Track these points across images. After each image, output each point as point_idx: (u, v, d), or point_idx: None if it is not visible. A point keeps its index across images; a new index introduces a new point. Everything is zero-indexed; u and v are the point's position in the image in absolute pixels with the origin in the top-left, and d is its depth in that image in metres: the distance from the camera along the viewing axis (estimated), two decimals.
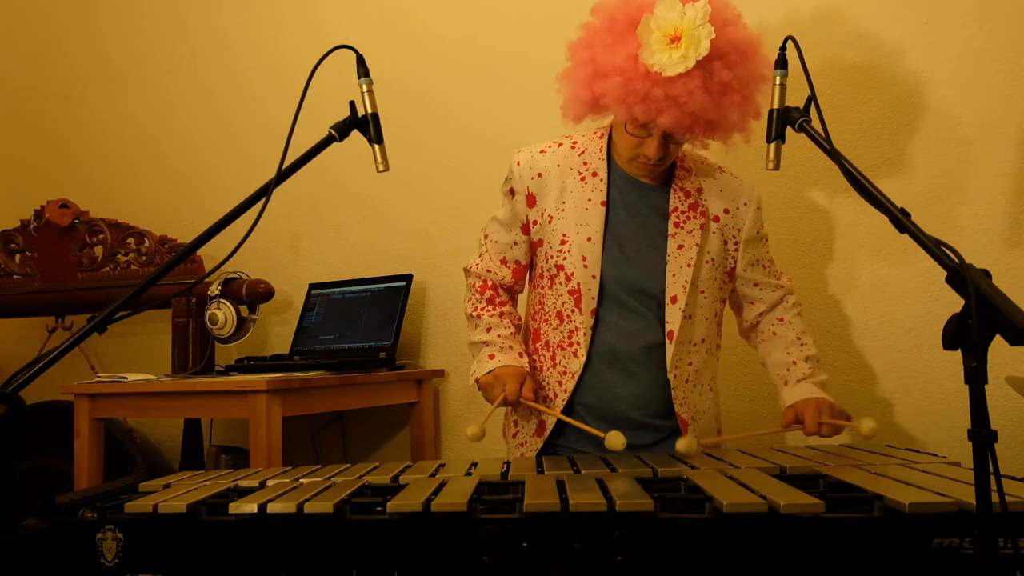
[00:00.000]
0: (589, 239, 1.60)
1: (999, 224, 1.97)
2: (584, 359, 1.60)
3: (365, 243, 2.70)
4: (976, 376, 0.87)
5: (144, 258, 2.80)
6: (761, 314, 1.72)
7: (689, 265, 1.59)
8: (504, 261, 1.73)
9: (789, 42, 1.39)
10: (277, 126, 2.62)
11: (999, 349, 0.87)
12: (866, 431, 1.40)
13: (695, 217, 1.62)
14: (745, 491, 1.07)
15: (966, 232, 1.98)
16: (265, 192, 1.36)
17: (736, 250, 1.67)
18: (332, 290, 2.62)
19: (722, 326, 1.72)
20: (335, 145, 1.46)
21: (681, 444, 1.40)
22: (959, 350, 0.89)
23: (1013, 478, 1.17)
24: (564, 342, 1.62)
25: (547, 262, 1.65)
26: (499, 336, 1.67)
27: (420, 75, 2.61)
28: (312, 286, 2.67)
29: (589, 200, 1.62)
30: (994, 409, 0.89)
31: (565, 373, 1.62)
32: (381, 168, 1.49)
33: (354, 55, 1.48)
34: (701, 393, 1.66)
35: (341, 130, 1.46)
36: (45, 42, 3.28)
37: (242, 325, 2.55)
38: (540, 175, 1.64)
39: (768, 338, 1.71)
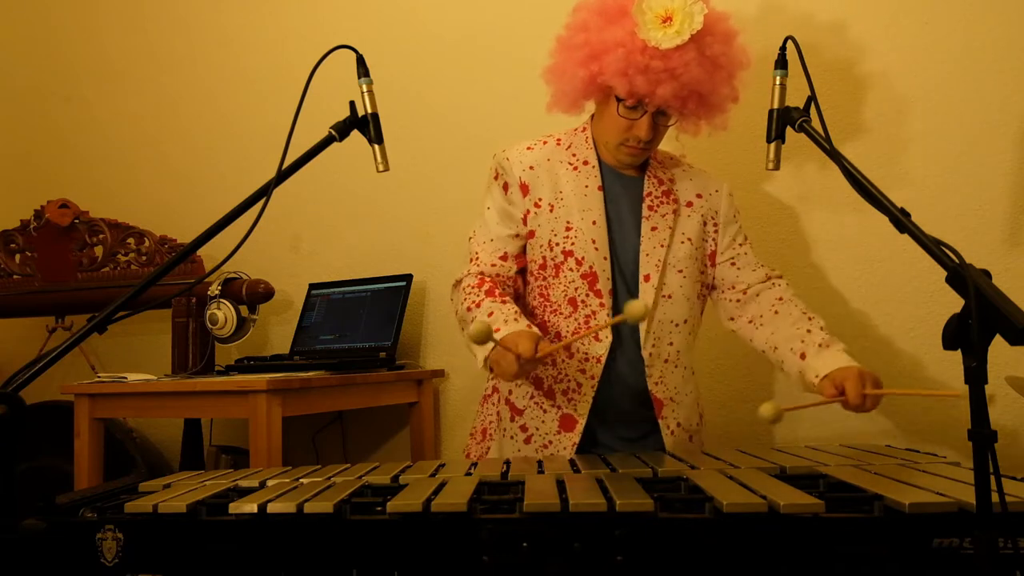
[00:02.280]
0: (594, 223, 1.62)
1: (999, 224, 1.97)
2: (610, 339, 1.59)
3: (365, 243, 2.70)
4: (976, 376, 0.87)
5: (144, 258, 2.80)
6: (744, 292, 1.68)
7: (662, 245, 1.63)
8: (504, 256, 1.66)
9: (789, 42, 1.39)
10: (277, 126, 2.61)
11: (999, 349, 0.87)
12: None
13: (668, 203, 1.68)
14: (745, 491, 1.07)
15: (966, 232, 1.98)
16: (265, 192, 1.36)
17: (716, 232, 1.72)
18: (332, 290, 2.62)
19: (704, 310, 1.76)
20: (335, 145, 1.47)
21: (766, 409, 1.27)
22: (959, 350, 0.89)
23: (1013, 478, 1.17)
24: (580, 328, 1.61)
25: (551, 251, 1.64)
26: (503, 314, 1.49)
27: (420, 75, 2.61)
28: (312, 286, 2.67)
29: (586, 186, 1.65)
30: (994, 409, 0.89)
31: (588, 359, 1.60)
32: (381, 168, 1.50)
33: (354, 55, 1.48)
34: (683, 375, 1.67)
35: (341, 130, 1.46)
36: (45, 42, 3.28)
37: (242, 325, 2.55)
38: (532, 168, 1.67)
39: (770, 319, 1.63)
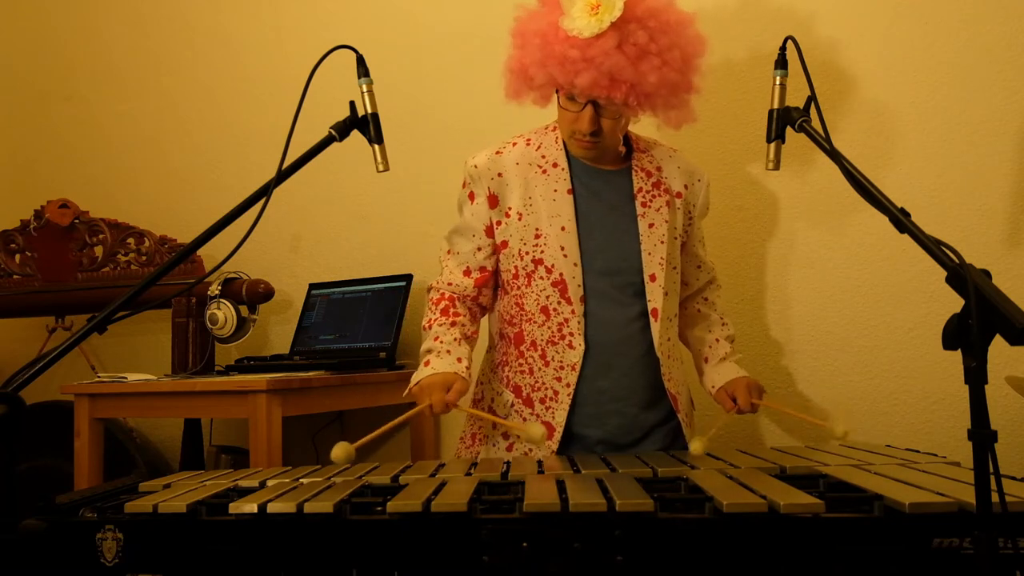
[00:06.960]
0: (563, 228, 1.60)
1: (999, 224, 1.97)
2: (583, 348, 1.58)
3: (365, 243, 2.70)
4: (976, 376, 0.87)
5: (144, 258, 2.80)
6: (689, 297, 1.80)
7: (662, 242, 1.62)
8: (467, 271, 1.69)
9: (789, 42, 1.39)
10: (277, 126, 2.61)
11: (999, 349, 0.87)
12: (839, 433, 1.48)
13: (660, 195, 1.66)
14: (745, 491, 1.07)
15: (966, 232, 1.98)
16: (265, 192, 1.36)
17: (689, 225, 1.72)
18: (332, 290, 2.62)
19: None
20: (335, 145, 1.46)
21: (695, 446, 1.47)
22: (959, 350, 0.89)
23: (1013, 478, 1.17)
24: (554, 336, 1.60)
25: (521, 260, 1.63)
26: (441, 342, 1.62)
27: (420, 75, 2.61)
28: (312, 286, 2.67)
29: (555, 191, 1.62)
30: (994, 409, 0.89)
31: (563, 367, 1.60)
32: (381, 168, 1.50)
33: (354, 55, 1.48)
34: (678, 366, 1.71)
35: (341, 130, 1.46)
36: (45, 42, 3.28)
37: (242, 325, 2.55)
38: (500, 175, 1.64)
39: (692, 314, 1.81)
